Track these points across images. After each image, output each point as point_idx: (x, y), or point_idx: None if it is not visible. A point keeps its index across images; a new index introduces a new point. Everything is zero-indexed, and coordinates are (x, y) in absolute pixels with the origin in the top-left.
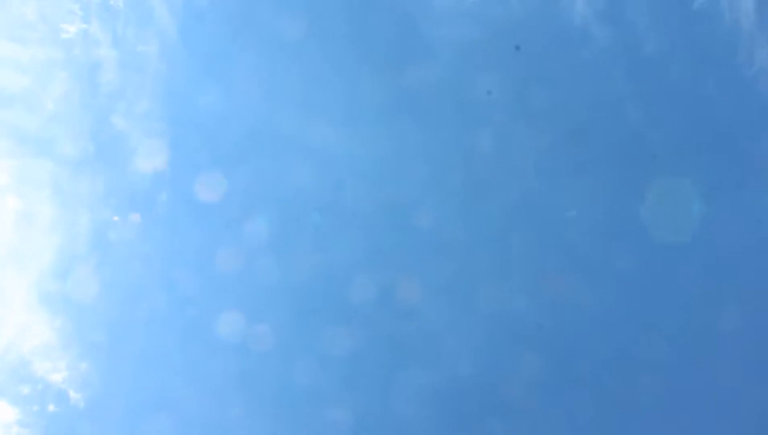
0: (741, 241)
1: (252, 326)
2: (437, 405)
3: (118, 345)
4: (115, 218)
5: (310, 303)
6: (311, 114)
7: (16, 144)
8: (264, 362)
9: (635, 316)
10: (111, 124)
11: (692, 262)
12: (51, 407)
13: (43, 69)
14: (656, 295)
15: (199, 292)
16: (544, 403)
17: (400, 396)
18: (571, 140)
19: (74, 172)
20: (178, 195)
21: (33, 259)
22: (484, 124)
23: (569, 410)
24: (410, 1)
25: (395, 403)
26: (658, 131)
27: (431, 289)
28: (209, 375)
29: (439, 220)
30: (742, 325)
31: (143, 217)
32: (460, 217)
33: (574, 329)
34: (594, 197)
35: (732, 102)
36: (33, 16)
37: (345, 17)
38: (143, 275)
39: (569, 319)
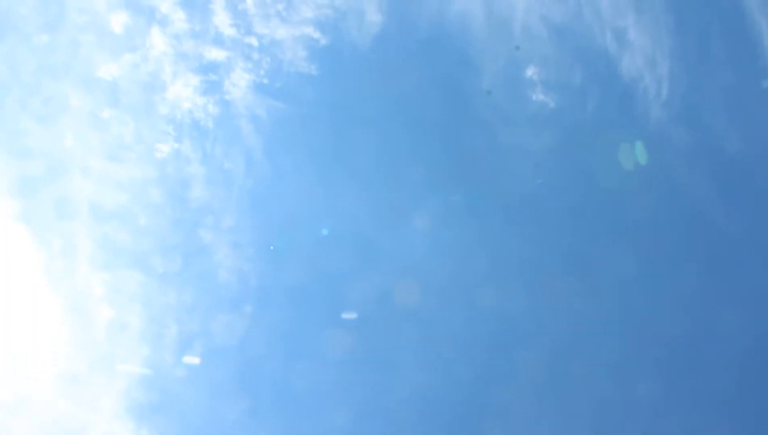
0: None
1: None
2: None
3: None
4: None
5: None
6: (398, 226)
7: (111, 257)
8: None
9: None
10: (199, 238)
11: None
12: None
13: (137, 186)
14: None
15: (290, 399)
16: None
17: None
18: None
19: (163, 284)
20: (264, 306)
21: (122, 369)
22: (575, 233)
23: None
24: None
25: None
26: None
27: None
28: None
29: None
30: None
31: (229, 328)
32: None
33: None
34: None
35: None
36: (130, 138)
37: (427, 134)
38: (231, 385)
39: None
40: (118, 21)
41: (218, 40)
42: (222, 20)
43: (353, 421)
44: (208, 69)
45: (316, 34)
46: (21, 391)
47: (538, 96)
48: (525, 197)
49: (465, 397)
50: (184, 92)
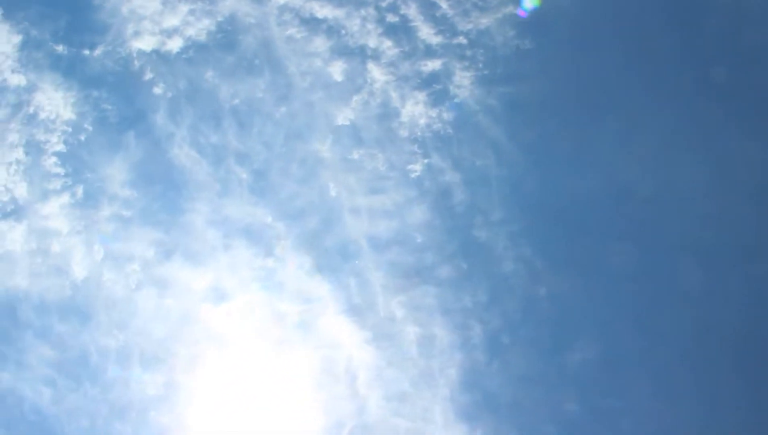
0: None
1: None
2: None
3: None
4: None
5: None
6: None
7: (401, 280)
8: None
9: None
10: (474, 238)
11: None
12: None
13: (404, 209)
14: None
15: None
16: None
17: None
18: None
19: (456, 290)
20: (558, 287)
21: (441, 378)
22: None
23: None
24: None
25: None
26: None
27: None
28: None
29: None
30: None
31: (528, 316)
32: None
33: None
34: None
35: None
36: (383, 168)
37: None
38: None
39: None
40: (337, 70)
41: (430, 52)
42: (426, 32)
43: None
44: (430, 81)
45: (517, 10)
46: (358, 416)
47: None
48: None
49: None
50: (415, 110)
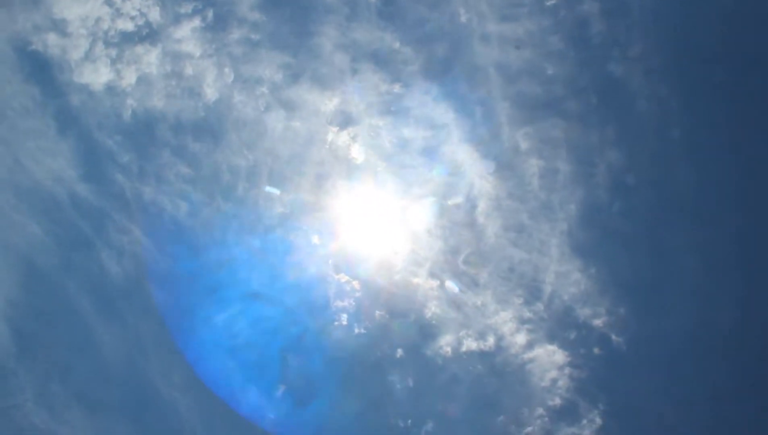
0: None
1: None
2: None
3: (653, 290)
4: None
5: None
6: None
7: (529, 111)
8: None
9: None
10: (609, 73)
11: None
12: (596, 350)
13: (536, 38)
14: None
15: None
16: None
17: None
18: None
19: (584, 125)
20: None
21: (561, 212)
22: None
23: None
24: None
25: None
26: None
27: None
28: None
29: None
30: None
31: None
32: None
33: None
34: None
35: None
36: None
37: None
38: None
39: None
40: None
41: None
42: None
43: None
44: None
45: None
46: (475, 244)
47: None
48: None
49: None
50: None
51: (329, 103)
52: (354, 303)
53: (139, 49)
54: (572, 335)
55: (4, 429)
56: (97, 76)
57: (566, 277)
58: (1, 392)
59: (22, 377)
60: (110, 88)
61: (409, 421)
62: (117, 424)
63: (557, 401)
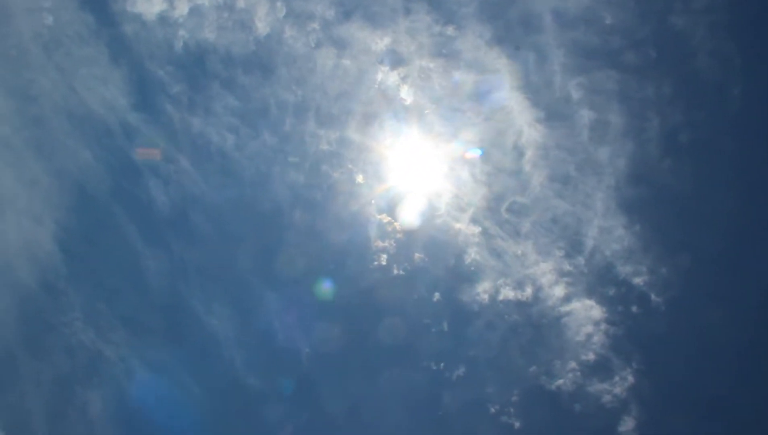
0: None
1: None
2: None
3: (697, 253)
4: None
5: None
6: None
7: (583, 60)
8: None
9: None
10: (671, 25)
11: None
12: (634, 308)
13: None
14: None
15: None
16: None
17: None
18: None
19: (640, 78)
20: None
21: (609, 166)
22: None
23: None
24: None
25: None
26: None
27: None
28: None
29: None
30: None
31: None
32: None
33: None
34: None
35: None
36: None
37: None
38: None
39: None
40: None
41: None
42: None
43: None
44: None
45: None
46: (520, 193)
47: None
48: None
49: None
50: None
51: (380, 42)
52: (394, 244)
53: None
54: (611, 292)
55: (55, 344)
56: (150, 5)
57: (609, 232)
58: (52, 310)
59: (72, 297)
60: (163, 19)
61: (442, 364)
62: (158, 348)
63: (591, 356)
